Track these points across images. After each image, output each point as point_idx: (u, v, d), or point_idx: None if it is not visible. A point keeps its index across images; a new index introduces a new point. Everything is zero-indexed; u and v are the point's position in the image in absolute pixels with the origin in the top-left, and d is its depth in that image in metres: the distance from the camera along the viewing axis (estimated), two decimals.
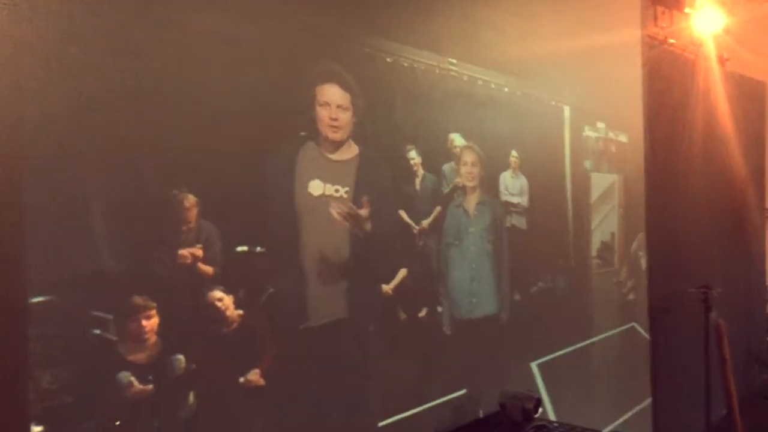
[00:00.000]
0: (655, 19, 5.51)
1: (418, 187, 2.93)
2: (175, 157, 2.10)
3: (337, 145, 2.59)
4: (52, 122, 1.84)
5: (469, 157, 3.16)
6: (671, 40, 5.54)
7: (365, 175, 2.65)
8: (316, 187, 2.47)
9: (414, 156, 2.90)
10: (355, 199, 2.61)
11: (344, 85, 2.60)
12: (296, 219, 2.42)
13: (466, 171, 3.15)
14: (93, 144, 1.92)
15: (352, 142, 2.64)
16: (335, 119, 2.57)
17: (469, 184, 3.17)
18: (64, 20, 1.86)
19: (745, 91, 6.33)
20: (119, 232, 1.98)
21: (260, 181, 2.33)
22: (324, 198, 2.51)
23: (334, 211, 2.54)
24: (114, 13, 1.96)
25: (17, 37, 1.77)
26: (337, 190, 2.55)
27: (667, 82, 5.23)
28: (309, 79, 2.49)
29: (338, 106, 2.58)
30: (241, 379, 2.29)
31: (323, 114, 2.54)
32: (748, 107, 6.25)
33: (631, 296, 4.48)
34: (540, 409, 2.99)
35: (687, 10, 5.67)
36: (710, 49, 6.07)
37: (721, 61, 6.28)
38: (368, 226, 2.66)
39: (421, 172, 2.93)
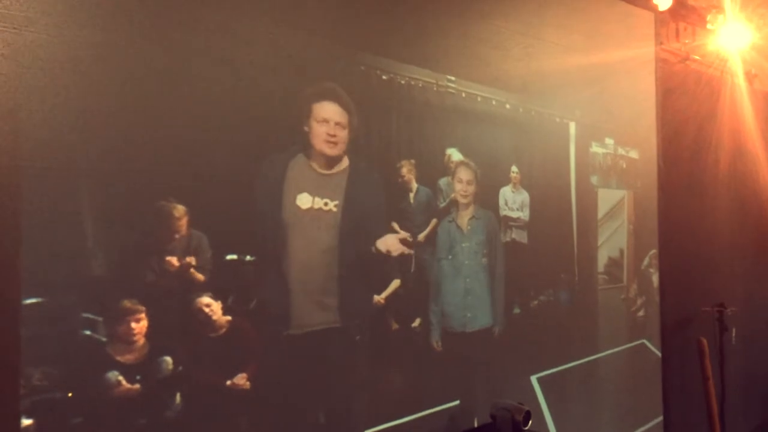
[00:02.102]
0: (677, 34, 5.48)
1: (412, 200, 3.00)
2: (166, 168, 2.23)
3: (332, 160, 2.70)
4: (48, 134, 1.99)
5: (464, 175, 3.23)
6: (695, 56, 5.50)
7: (355, 188, 2.74)
8: (304, 200, 2.57)
9: (407, 171, 2.98)
10: (344, 212, 2.70)
11: (343, 104, 2.72)
12: (284, 230, 2.52)
13: (461, 188, 3.22)
14: (87, 155, 2.06)
15: (345, 158, 2.75)
16: (333, 135, 2.68)
17: (463, 201, 3.23)
18: (61, 38, 2.00)
19: None
20: (110, 239, 2.11)
21: (250, 193, 2.44)
22: (312, 211, 2.60)
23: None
24: (111, 31, 2.10)
25: (15, 52, 1.92)
26: (326, 204, 2.64)
27: (690, 98, 5.19)
28: (304, 96, 2.60)
29: (336, 123, 2.70)
30: (228, 383, 2.39)
31: (320, 130, 2.64)
32: None
33: (641, 313, 4.46)
34: (530, 422, 3.02)
35: (710, 26, 5.62)
36: (737, 66, 6.00)
37: (749, 77, 6.19)
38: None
39: (414, 185, 3.01)
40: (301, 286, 2.57)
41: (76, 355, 2.05)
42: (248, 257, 2.44)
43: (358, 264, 2.76)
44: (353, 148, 2.76)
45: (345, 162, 2.74)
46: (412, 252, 2.96)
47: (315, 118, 2.63)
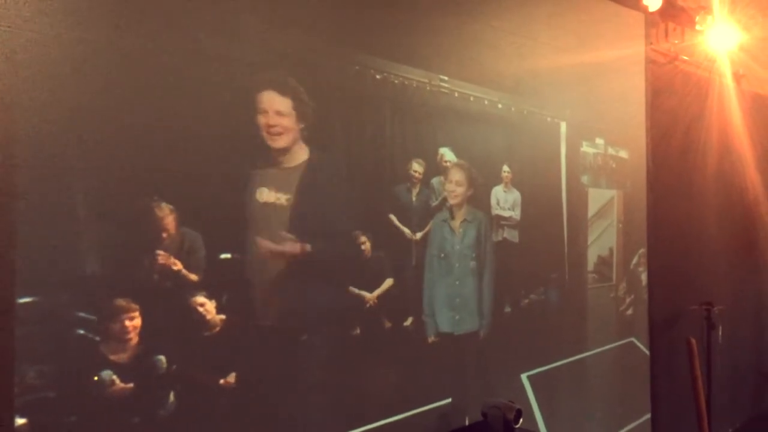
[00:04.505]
0: (666, 35, 5.52)
1: (414, 199, 3.02)
2: (160, 167, 2.23)
3: (279, 152, 2.57)
4: (42, 133, 1.98)
5: (455, 176, 3.24)
6: (684, 57, 5.55)
7: (310, 183, 2.65)
8: (262, 194, 2.52)
9: (417, 169, 3.00)
10: (296, 206, 2.60)
11: (284, 91, 2.57)
12: (246, 225, 2.48)
13: (451, 189, 3.23)
14: (81, 154, 2.06)
15: (302, 150, 2.64)
16: (272, 126, 2.54)
17: (453, 202, 3.25)
18: (57, 37, 2.00)
19: (760, 108, 6.29)
20: (104, 238, 2.11)
21: (234, 189, 2.44)
22: (267, 205, 2.53)
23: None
24: (105, 30, 2.09)
25: (11, 51, 1.92)
26: (278, 198, 2.57)
27: (679, 98, 5.24)
28: (245, 89, 2.48)
29: (276, 112, 2.55)
30: (222, 381, 2.40)
31: (262, 121, 2.52)
32: (763, 124, 6.21)
33: (629, 311, 4.50)
34: (521, 419, 3.05)
35: (699, 27, 5.67)
36: (725, 66, 6.05)
37: (737, 77, 6.25)
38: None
39: (418, 185, 3.04)
40: (259, 282, 2.52)
41: (70, 354, 2.05)
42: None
43: (304, 261, 2.67)
44: (315, 139, 2.66)
45: (303, 155, 2.64)
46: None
47: (257, 110, 2.51)
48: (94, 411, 2.09)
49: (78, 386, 2.06)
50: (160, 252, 2.23)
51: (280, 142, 2.57)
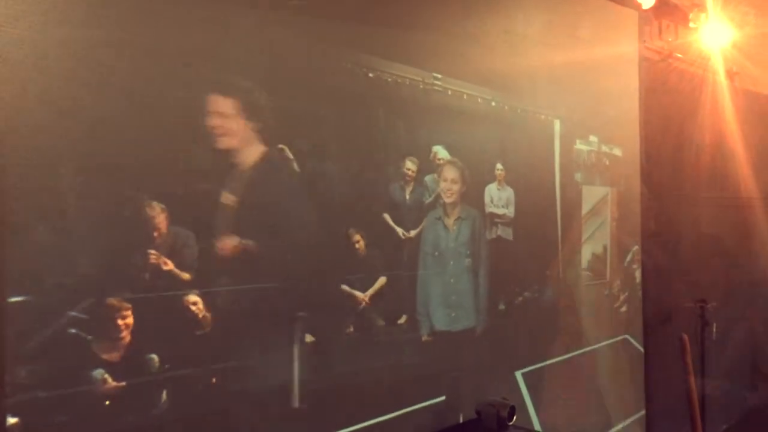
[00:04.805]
0: (660, 32, 5.53)
1: (408, 197, 3.02)
2: (150, 167, 2.23)
3: (227, 154, 2.49)
4: (32, 132, 1.98)
5: (449, 174, 3.25)
6: (678, 54, 5.57)
7: (257, 183, 2.57)
8: (224, 197, 2.48)
9: (411, 168, 3.01)
10: (240, 206, 2.52)
11: (224, 92, 2.47)
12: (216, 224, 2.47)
13: (446, 187, 3.23)
14: (71, 153, 2.05)
15: (253, 150, 2.56)
16: (214, 128, 2.45)
17: (448, 200, 3.25)
18: (46, 35, 1.99)
19: (753, 106, 6.31)
20: (95, 237, 2.11)
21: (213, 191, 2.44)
22: (222, 205, 2.47)
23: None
24: (94, 29, 2.09)
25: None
26: (228, 198, 2.50)
27: (673, 96, 5.25)
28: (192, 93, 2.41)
29: (219, 113, 2.46)
30: (214, 380, 2.39)
31: (209, 123, 2.44)
32: (756, 122, 6.23)
33: (623, 308, 4.51)
34: (515, 417, 3.05)
35: (692, 24, 5.69)
36: (718, 64, 6.07)
37: (730, 75, 6.27)
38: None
39: (412, 183, 3.05)
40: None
41: (62, 354, 2.04)
42: None
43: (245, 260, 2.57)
44: (270, 138, 2.59)
45: (254, 155, 2.56)
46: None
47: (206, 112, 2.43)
48: (86, 410, 2.09)
49: (70, 385, 2.06)
50: (152, 251, 2.23)
51: (223, 144, 2.46)
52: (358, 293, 2.84)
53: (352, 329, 2.84)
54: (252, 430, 2.51)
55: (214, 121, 2.44)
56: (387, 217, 2.97)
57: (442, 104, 3.22)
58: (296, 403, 2.63)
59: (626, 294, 4.54)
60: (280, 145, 2.61)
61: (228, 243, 2.47)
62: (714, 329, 4.93)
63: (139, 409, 2.21)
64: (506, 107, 3.56)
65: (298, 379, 2.64)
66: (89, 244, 2.10)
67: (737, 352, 5.75)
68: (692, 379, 4.35)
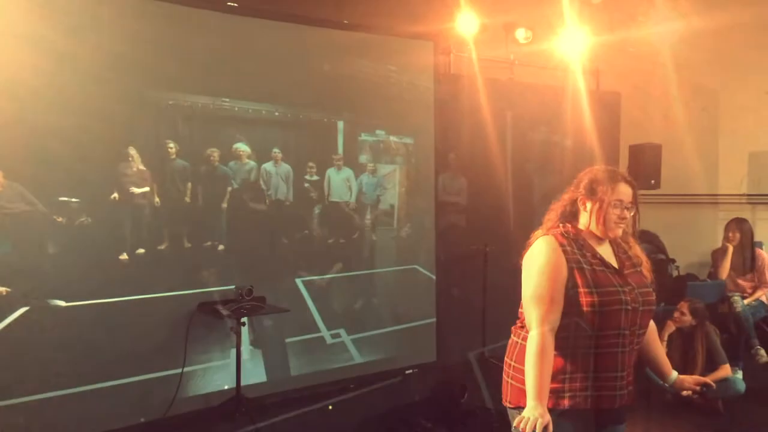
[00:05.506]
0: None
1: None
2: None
3: None
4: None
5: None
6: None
7: None
8: None
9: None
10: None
11: None
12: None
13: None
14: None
15: None
16: None
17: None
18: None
19: (601, 101, 7.74)
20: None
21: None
22: None
23: None
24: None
25: None
26: None
27: (467, 102, 6.86)
28: None
29: None
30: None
31: None
32: (603, 116, 7.68)
33: (411, 246, 6.53)
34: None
35: (521, 34, 7.28)
36: (573, 67, 7.56)
37: (589, 75, 7.73)
38: None
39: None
40: None
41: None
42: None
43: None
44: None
45: None
46: None
47: None
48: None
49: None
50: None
51: None
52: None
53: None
54: None
55: None
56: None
57: (233, 117, 5.43)
58: None
59: (415, 237, 6.53)
60: None
61: None
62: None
63: None
64: (289, 115, 5.71)
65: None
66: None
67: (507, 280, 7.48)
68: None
